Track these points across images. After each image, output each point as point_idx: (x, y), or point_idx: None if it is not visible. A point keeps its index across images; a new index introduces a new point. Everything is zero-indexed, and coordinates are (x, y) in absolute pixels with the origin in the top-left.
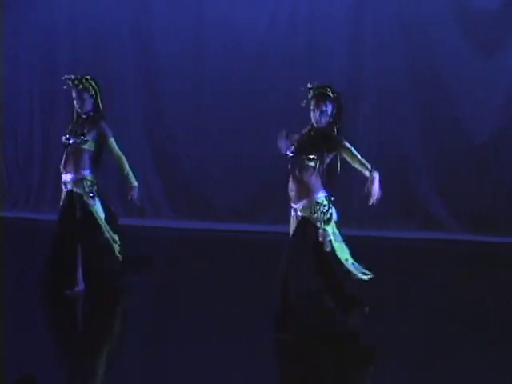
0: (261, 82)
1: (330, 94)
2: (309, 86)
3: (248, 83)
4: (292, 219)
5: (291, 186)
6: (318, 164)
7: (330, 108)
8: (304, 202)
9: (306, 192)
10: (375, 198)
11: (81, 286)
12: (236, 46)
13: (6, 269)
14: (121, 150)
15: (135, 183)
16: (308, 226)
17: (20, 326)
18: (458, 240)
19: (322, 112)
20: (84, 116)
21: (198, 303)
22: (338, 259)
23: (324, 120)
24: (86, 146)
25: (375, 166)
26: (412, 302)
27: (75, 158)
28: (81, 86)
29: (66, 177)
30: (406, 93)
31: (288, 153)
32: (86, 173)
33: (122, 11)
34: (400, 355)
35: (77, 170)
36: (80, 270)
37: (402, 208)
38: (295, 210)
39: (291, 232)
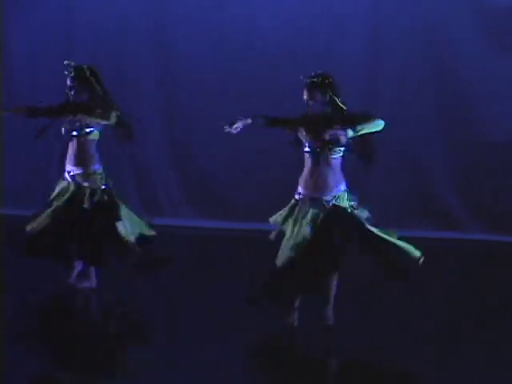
0: (280, 82)
1: (318, 81)
2: (301, 77)
3: (267, 82)
4: (304, 207)
5: (316, 176)
6: (338, 154)
7: (317, 96)
8: (331, 191)
9: (333, 183)
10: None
11: (92, 283)
12: (254, 45)
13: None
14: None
15: None
16: (344, 210)
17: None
18: (475, 240)
19: (307, 101)
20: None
21: (214, 302)
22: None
23: (313, 109)
24: (91, 137)
25: (392, 166)
26: (428, 301)
27: (82, 151)
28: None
29: (76, 170)
30: (424, 92)
31: (307, 148)
32: (97, 167)
33: (140, 11)
34: (415, 354)
35: (86, 163)
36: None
37: (419, 207)
38: (317, 198)
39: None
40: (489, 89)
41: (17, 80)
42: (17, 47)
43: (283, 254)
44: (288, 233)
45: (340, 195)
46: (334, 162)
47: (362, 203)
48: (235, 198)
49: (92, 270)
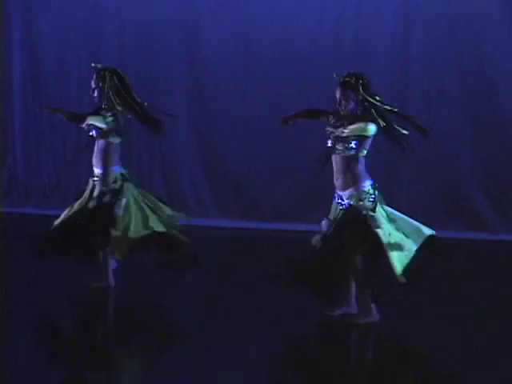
0: (310, 82)
1: (352, 81)
2: (335, 75)
3: (297, 83)
4: (334, 204)
5: (336, 174)
6: (359, 151)
7: (351, 96)
8: (351, 190)
9: (352, 181)
10: None
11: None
12: (284, 45)
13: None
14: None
15: None
16: (356, 212)
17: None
18: (505, 240)
19: (340, 100)
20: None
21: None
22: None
23: (345, 108)
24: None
25: (421, 167)
26: (459, 302)
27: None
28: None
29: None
30: (454, 92)
31: (329, 143)
32: (115, 168)
33: (170, 12)
34: (449, 354)
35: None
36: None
37: (449, 208)
38: (340, 196)
39: (332, 216)
40: None
41: (46, 81)
42: (46, 48)
43: None
44: None
45: (359, 194)
46: (350, 159)
47: (390, 204)
48: (262, 199)
49: (110, 269)
